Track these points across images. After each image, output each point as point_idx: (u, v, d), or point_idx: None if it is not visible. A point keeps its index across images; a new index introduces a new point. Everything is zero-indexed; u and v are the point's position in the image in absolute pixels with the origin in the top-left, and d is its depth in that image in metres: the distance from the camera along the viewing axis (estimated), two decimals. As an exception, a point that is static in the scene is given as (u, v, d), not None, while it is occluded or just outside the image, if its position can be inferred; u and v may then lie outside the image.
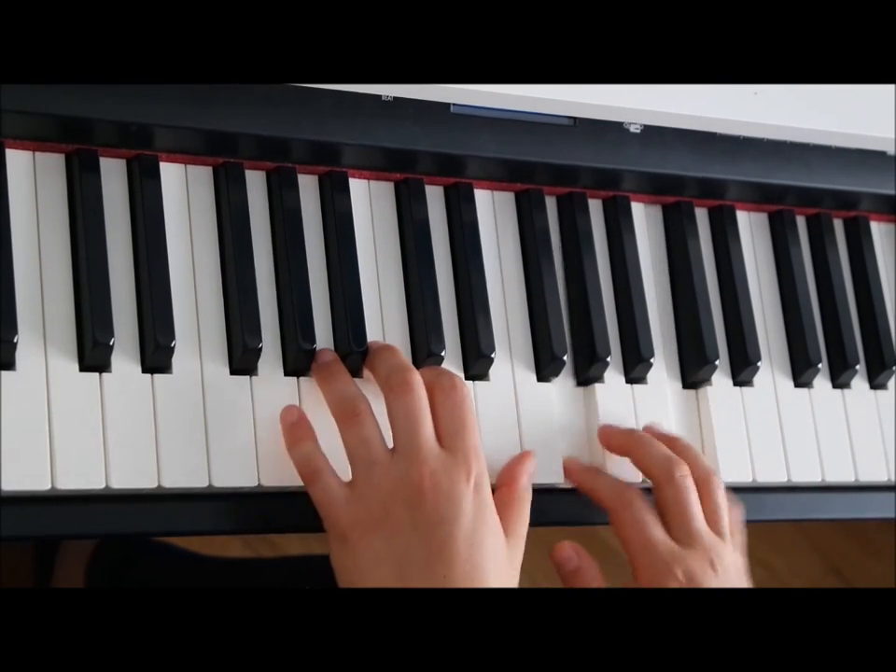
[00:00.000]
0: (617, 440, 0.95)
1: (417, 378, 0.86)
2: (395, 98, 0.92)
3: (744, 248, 1.06)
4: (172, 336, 0.84)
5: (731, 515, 0.94)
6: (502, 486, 0.88)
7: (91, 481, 0.81)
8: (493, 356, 0.93)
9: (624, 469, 0.95)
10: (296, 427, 0.86)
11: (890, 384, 1.09)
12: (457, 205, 0.97)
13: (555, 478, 0.94)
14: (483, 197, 0.98)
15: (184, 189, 0.90)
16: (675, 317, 1.03)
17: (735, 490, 1.00)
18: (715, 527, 0.92)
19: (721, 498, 0.93)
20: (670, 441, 0.95)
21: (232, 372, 0.87)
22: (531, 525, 0.93)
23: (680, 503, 0.91)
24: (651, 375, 1.00)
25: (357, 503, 0.83)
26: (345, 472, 0.85)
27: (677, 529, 0.91)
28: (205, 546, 1.36)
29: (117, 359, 0.84)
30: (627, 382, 0.99)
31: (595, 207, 1.02)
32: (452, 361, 0.93)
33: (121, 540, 1.31)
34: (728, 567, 0.90)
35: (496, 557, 0.84)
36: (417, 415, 0.84)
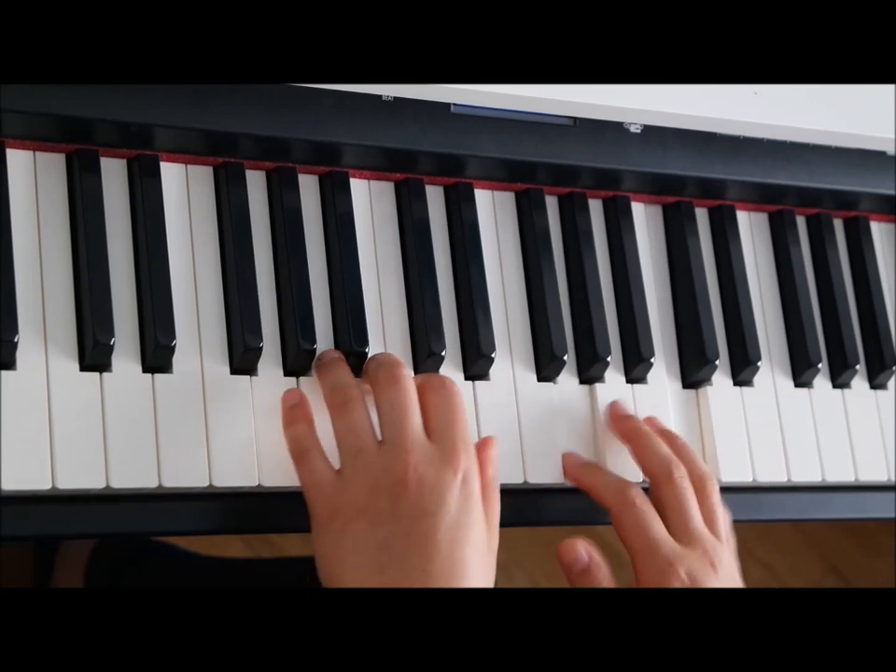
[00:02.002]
0: (622, 426, 0.95)
1: (405, 373, 0.86)
2: (395, 98, 0.92)
3: (744, 248, 1.06)
4: (172, 336, 0.84)
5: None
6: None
7: (91, 481, 0.81)
8: (493, 355, 0.93)
9: (625, 469, 0.95)
10: (295, 409, 0.86)
11: (890, 384, 1.09)
12: (457, 205, 0.97)
13: (555, 478, 0.94)
14: (483, 197, 0.99)
15: (184, 189, 0.90)
16: (675, 317, 1.03)
17: (735, 490, 1.01)
18: (712, 528, 0.92)
19: (718, 501, 0.93)
20: (670, 438, 0.95)
21: (233, 372, 0.87)
22: (531, 525, 0.93)
23: (679, 504, 0.91)
24: (651, 375, 1.00)
25: (343, 489, 0.83)
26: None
27: (676, 529, 0.91)
28: (205, 546, 1.36)
29: (117, 359, 0.84)
30: (627, 382, 0.99)
31: (596, 207, 1.02)
32: (452, 361, 0.93)
33: (121, 540, 1.31)
34: (727, 570, 0.90)
35: (477, 552, 0.83)
36: (404, 406, 0.84)
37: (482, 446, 0.88)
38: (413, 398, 0.85)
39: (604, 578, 0.91)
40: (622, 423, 0.96)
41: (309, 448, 0.85)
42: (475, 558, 0.83)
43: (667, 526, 0.91)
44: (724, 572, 0.90)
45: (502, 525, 0.91)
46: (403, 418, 0.84)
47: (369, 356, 0.90)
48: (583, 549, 0.91)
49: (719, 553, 0.91)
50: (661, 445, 0.94)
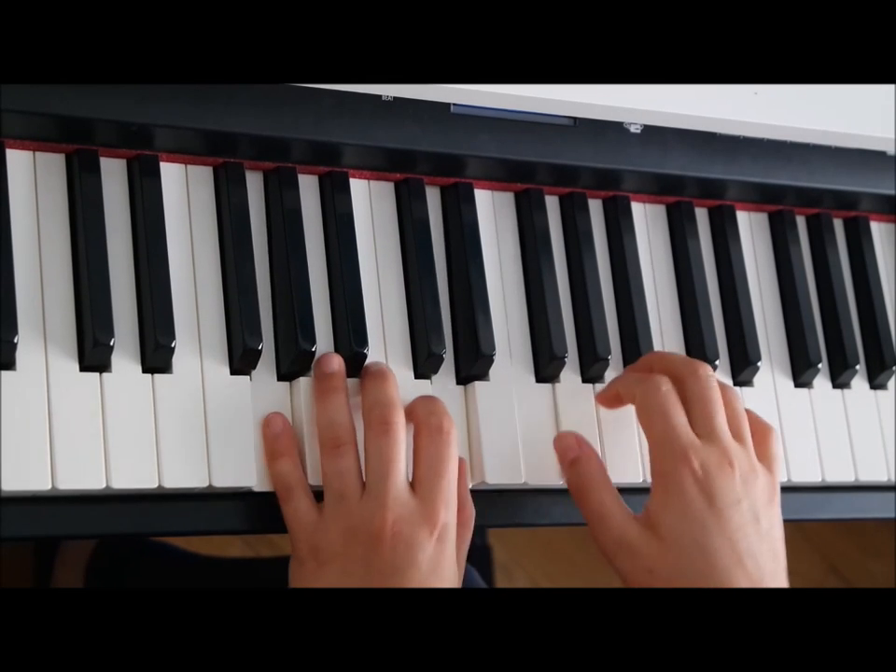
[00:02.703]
0: (641, 363, 0.94)
1: (399, 418, 0.85)
2: (395, 98, 0.92)
3: (744, 248, 1.06)
4: (172, 336, 0.84)
5: (763, 435, 0.92)
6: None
7: (91, 481, 0.81)
8: (493, 355, 0.93)
9: (626, 468, 0.95)
10: (278, 440, 0.86)
11: (890, 384, 1.09)
12: (457, 205, 0.97)
13: (556, 478, 0.94)
14: (482, 197, 0.99)
15: (184, 189, 0.90)
16: (675, 317, 1.03)
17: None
18: (736, 433, 0.90)
19: (741, 408, 0.92)
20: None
21: (233, 372, 0.87)
22: (531, 525, 0.93)
23: (704, 397, 0.89)
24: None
25: (322, 532, 0.84)
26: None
27: (698, 423, 0.89)
28: (205, 546, 1.36)
29: (117, 359, 0.84)
30: (627, 382, 0.99)
31: (596, 207, 1.02)
32: (452, 361, 0.93)
33: (121, 540, 1.31)
34: (747, 474, 0.88)
35: None
36: (391, 459, 0.84)
37: (461, 507, 0.88)
38: (401, 448, 0.85)
39: (593, 468, 0.90)
40: (644, 358, 0.95)
41: (293, 486, 0.85)
42: None
43: (690, 422, 0.89)
44: (745, 478, 0.87)
45: (502, 525, 0.91)
46: (389, 472, 0.84)
47: (368, 356, 0.90)
48: (574, 440, 0.92)
49: (737, 453, 0.88)
50: (678, 354, 0.94)
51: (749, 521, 0.86)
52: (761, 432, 0.92)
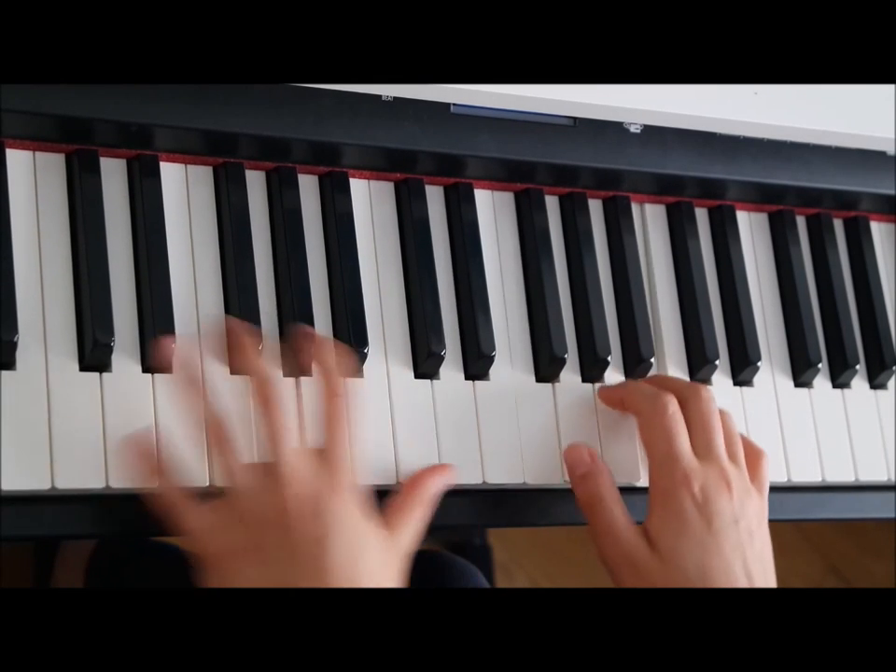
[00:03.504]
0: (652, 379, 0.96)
1: (275, 389, 0.83)
2: (395, 98, 0.92)
3: (744, 248, 1.06)
4: (172, 336, 0.84)
5: (755, 458, 0.94)
6: (404, 487, 0.87)
7: (91, 481, 0.81)
8: (493, 355, 0.93)
9: (625, 467, 0.95)
10: (147, 461, 0.83)
11: (890, 384, 1.09)
12: (457, 205, 0.97)
13: (556, 478, 0.94)
14: (482, 197, 0.99)
15: (184, 189, 0.90)
16: (675, 317, 1.03)
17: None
18: (731, 453, 0.92)
19: (736, 432, 0.94)
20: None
21: (232, 372, 0.87)
22: (531, 525, 0.93)
23: (704, 419, 0.92)
24: (650, 375, 1.00)
25: (227, 530, 0.81)
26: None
27: (698, 444, 0.91)
28: (205, 546, 1.36)
29: (117, 359, 0.84)
30: (627, 382, 0.99)
31: (596, 207, 1.02)
32: (452, 361, 0.93)
33: (121, 540, 1.31)
34: (742, 494, 0.90)
35: (371, 565, 0.81)
36: (278, 432, 0.82)
37: (430, 469, 0.88)
38: (286, 419, 0.82)
39: (604, 483, 0.91)
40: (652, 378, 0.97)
41: (176, 501, 0.82)
42: (369, 573, 0.81)
43: (690, 442, 0.91)
44: (741, 500, 0.90)
45: (502, 525, 0.91)
46: (278, 445, 0.82)
47: (368, 356, 0.90)
48: (587, 453, 0.92)
49: (733, 475, 0.90)
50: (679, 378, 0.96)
51: (744, 541, 0.89)
52: (753, 455, 0.95)
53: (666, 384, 0.95)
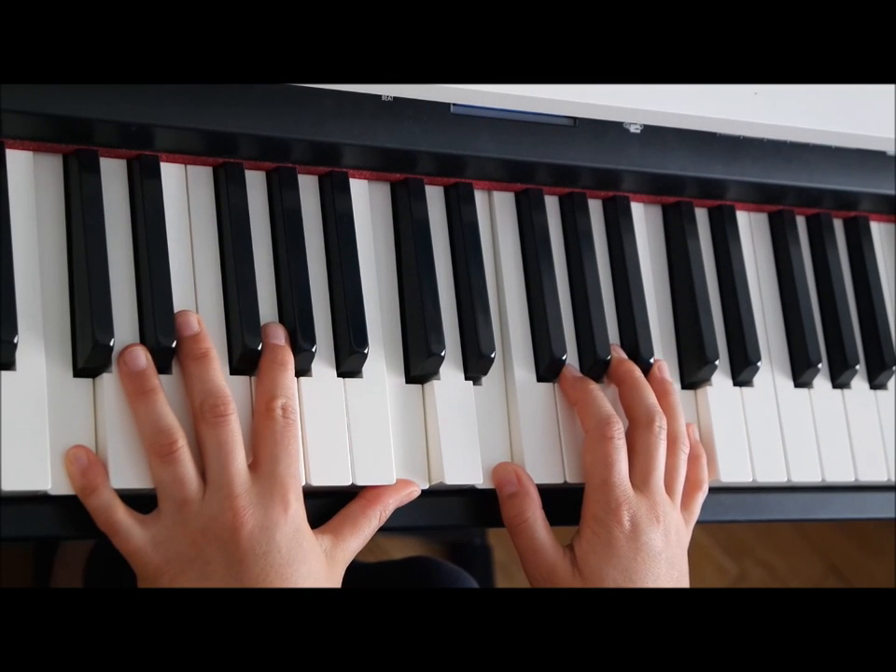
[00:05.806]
0: (618, 368, 0.97)
1: (231, 406, 0.83)
2: (395, 98, 0.92)
3: (744, 248, 1.06)
4: (172, 337, 0.84)
5: (693, 489, 0.96)
6: (363, 499, 0.88)
7: (91, 481, 0.81)
8: (493, 355, 0.93)
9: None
10: (87, 474, 0.81)
11: (890, 384, 1.09)
12: (457, 205, 0.97)
13: (556, 477, 0.94)
14: (483, 197, 0.99)
15: (184, 189, 0.90)
16: (674, 318, 1.03)
17: (735, 490, 1.01)
18: (670, 487, 0.94)
19: (682, 464, 0.95)
20: (665, 389, 0.97)
21: (232, 372, 0.87)
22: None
23: (649, 452, 0.93)
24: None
25: (167, 544, 0.81)
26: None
27: (636, 474, 0.93)
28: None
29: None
30: (627, 382, 0.99)
31: (596, 207, 1.02)
32: (452, 361, 0.93)
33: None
34: (670, 527, 0.92)
35: (314, 578, 0.83)
36: (230, 449, 0.82)
37: (393, 486, 0.88)
38: (237, 436, 0.83)
39: (529, 504, 0.91)
40: (619, 365, 0.97)
41: (118, 520, 0.81)
42: (320, 584, 0.83)
43: (630, 469, 0.93)
44: (667, 530, 0.92)
45: (502, 525, 0.91)
46: (229, 462, 0.82)
47: (368, 356, 0.90)
48: (514, 473, 0.92)
49: (667, 509, 0.92)
50: (651, 395, 0.95)
51: (665, 572, 0.91)
52: (691, 486, 0.97)
53: (633, 399, 0.95)
